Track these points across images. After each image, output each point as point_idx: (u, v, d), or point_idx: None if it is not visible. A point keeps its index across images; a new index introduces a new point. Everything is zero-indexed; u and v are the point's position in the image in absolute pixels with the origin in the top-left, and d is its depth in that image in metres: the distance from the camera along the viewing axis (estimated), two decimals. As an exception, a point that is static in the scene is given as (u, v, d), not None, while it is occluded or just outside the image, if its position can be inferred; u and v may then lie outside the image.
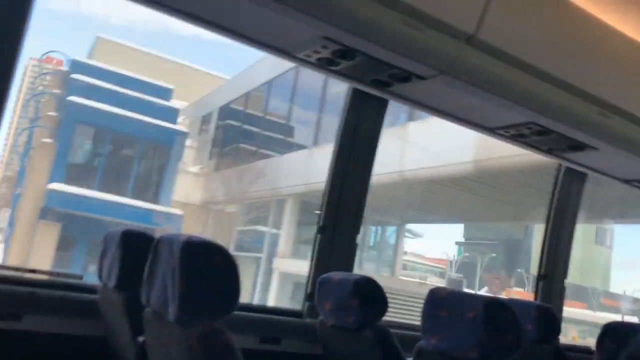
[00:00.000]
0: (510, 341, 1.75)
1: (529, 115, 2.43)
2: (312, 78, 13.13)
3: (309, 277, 2.77)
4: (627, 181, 3.37)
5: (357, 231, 2.84)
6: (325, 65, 2.24)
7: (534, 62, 2.19)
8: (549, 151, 2.97)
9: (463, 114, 2.68)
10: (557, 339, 2.90)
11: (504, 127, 2.67)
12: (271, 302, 13.36)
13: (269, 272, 14.37)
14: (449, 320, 1.87)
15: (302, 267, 13.20)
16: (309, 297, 2.69)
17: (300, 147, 15.11)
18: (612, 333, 2.61)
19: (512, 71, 2.17)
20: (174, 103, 15.54)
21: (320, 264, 2.75)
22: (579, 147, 2.79)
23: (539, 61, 2.20)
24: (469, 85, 2.21)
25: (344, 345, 2.41)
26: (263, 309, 2.76)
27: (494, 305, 1.74)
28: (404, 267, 21.40)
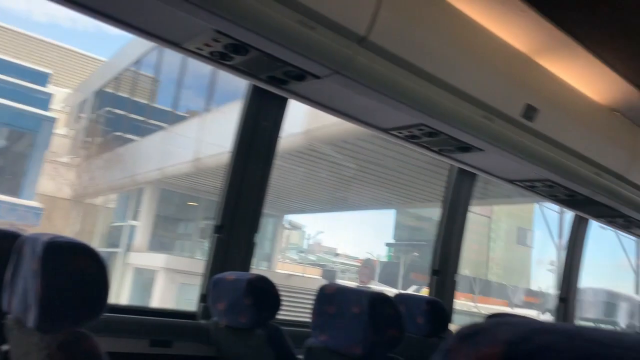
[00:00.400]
0: (393, 335, 1.80)
1: (419, 117, 2.52)
2: (175, 56, 12.54)
3: (204, 277, 2.70)
4: (511, 181, 3.60)
5: (255, 230, 2.81)
6: (218, 59, 2.18)
7: (422, 66, 2.27)
8: (439, 152, 3.11)
9: (359, 115, 2.73)
10: (448, 332, 3.04)
11: (397, 128, 2.76)
12: (124, 300, 12.73)
13: (125, 267, 13.61)
14: (336, 316, 1.90)
15: (159, 261, 12.51)
16: (203, 298, 2.62)
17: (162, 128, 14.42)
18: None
19: (402, 74, 2.24)
20: (52, 89, 14.43)
21: (216, 264, 2.69)
22: (466, 148, 2.94)
23: (428, 65, 2.29)
24: (362, 86, 2.24)
25: (238, 346, 2.37)
26: (155, 312, 2.65)
27: (377, 300, 1.79)
28: (335, 269, 21.43)
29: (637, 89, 3.12)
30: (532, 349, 0.49)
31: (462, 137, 2.76)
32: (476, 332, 0.54)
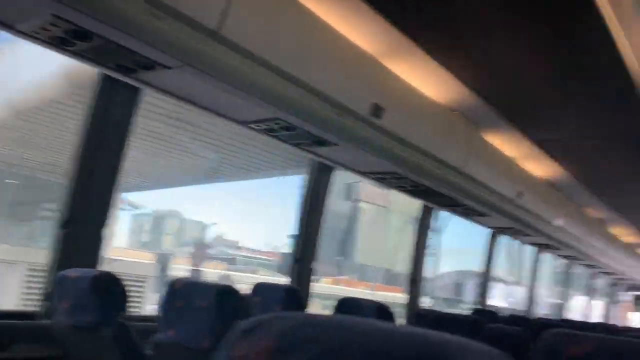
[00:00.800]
0: (241, 325, 1.85)
1: (274, 111, 2.59)
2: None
3: (47, 275, 2.53)
4: (364, 174, 3.84)
5: (104, 224, 2.69)
6: (59, 44, 2.05)
7: (275, 62, 2.33)
8: (298, 145, 3.22)
9: (216, 107, 2.73)
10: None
11: (255, 122, 2.80)
12: None
13: None
14: (184, 310, 1.90)
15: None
16: (47, 296, 2.47)
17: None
18: (344, 306, 2.97)
19: (255, 69, 2.28)
20: None
21: (62, 261, 2.54)
22: (322, 142, 3.08)
23: (280, 61, 2.35)
24: (215, 79, 2.25)
25: (83, 345, 2.27)
26: (-11, 314, 2.43)
27: (224, 293, 1.83)
28: (236, 263, 20.95)
29: (473, 91, 3.49)
30: (297, 341, 0.56)
31: (317, 132, 2.89)
32: (254, 327, 0.60)
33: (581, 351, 1.20)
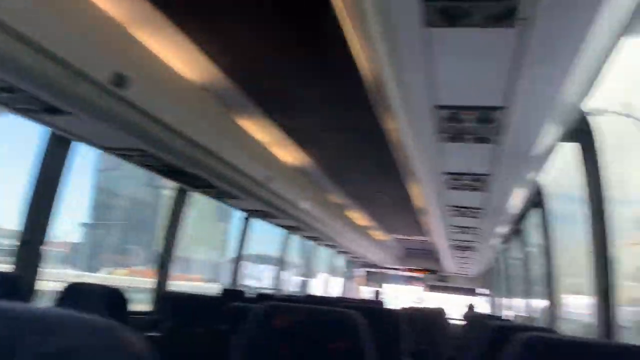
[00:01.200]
0: None
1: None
2: None
3: None
4: (110, 149, 3.55)
5: None
6: None
7: (-13, 8, 1.97)
8: (24, 111, 2.81)
9: None
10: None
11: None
12: None
13: None
14: None
15: None
16: None
17: None
18: (72, 293, 2.71)
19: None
20: None
21: None
22: (53, 110, 2.74)
23: (-5, 9, 2.00)
24: None
25: None
26: None
27: None
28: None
29: (225, 73, 3.50)
30: None
31: (46, 97, 2.55)
32: None
33: (284, 319, 1.30)
